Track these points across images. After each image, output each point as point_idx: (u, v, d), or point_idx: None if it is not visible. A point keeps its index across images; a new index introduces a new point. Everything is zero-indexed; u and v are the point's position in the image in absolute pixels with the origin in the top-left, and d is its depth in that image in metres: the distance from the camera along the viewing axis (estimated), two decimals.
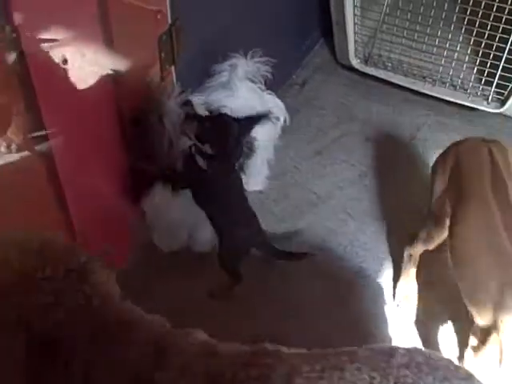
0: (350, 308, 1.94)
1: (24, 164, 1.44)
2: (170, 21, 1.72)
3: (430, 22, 2.49)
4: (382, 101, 2.64)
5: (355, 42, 2.60)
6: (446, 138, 2.47)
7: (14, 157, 1.41)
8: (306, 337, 1.79)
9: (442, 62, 2.52)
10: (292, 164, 2.41)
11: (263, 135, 2.03)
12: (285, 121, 2.11)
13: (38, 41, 1.34)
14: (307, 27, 2.85)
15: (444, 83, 2.55)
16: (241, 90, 1.94)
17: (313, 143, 2.49)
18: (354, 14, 2.54)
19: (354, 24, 2.55)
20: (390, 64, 2.62)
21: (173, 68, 1.85)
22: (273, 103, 2.07)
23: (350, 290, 2.00)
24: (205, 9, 1.92)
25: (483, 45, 2.39)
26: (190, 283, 1.98)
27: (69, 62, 1.43)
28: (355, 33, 2.57)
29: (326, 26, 2.78)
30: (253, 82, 1.99)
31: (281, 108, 2.09)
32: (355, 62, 2.64)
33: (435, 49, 2.52)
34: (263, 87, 2.02)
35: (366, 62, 2.64)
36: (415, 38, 2.53)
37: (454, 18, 2.45)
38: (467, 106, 2.59)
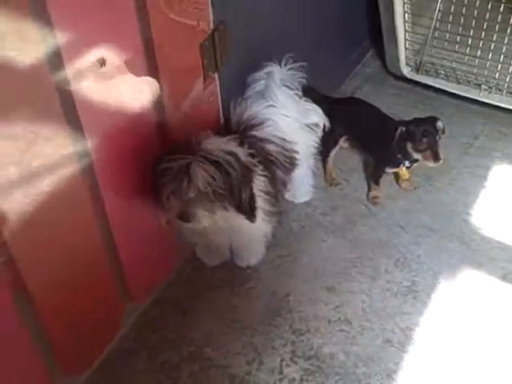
0: None
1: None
2: (212, 26, 1.69)
3: (484, 27, 2.40)
4: (435, 110, 2.54)
5: (406, 49, 2.52)
6: (505, 147, 2.39)
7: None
8: None
9: (499, 67, 2.41)
10: (342, 176, 2.33)
11: (303, 144, 1.98)
12: (324, 127, 2.04)
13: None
14: (356, 37, 2.81)
15: (501, 90, 2.44)
16: (280, 97, 1.89)
17: (361, 155, 2.41)
18: (405, 21, 2.47)
19: (405, 31, 2.48)
20: (442, 72, 2.53)
21: (216, 76, 1.81)
22: (312, 110, 2.01)
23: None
24: (250, 16, 1.89)
25: None
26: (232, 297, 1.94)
27: (109, 74, 1.42)
28: (406, 40, 2.49)
29: (376, 36, 2.73)
30: (290, 88, 1.93)
31: (319, 114, 2.02)
32: (406, 71, 2.57)
33: (490, 54, 2.42)
34: (300, 94, 1.97)
35: (417, 70, 2.56)
36: (469, 43, 2.45)
37: (511, 20, 2.34)
38: None
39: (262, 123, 1.86)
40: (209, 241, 1.87)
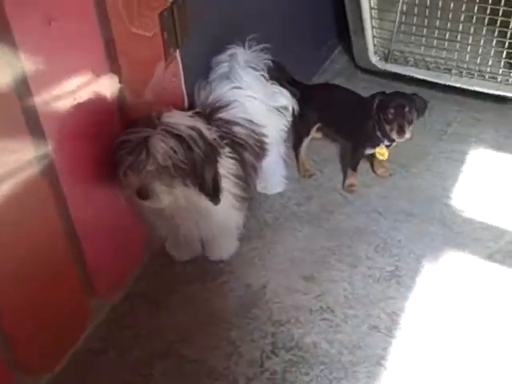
0: None
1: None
2: None
3: (449, 16, 2.35)
4: None
5: (374, 38, 2.48)
6: (480, 132, 2.34)
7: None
8: None
9: (468, 51, 2.36)
10: (315, 167, 2.24)
11: (272, 127, 1.88)
12: (293, 112, 1.95)
13: None
14: (323, 34, 2.75)
15: (471, 74, 2.39)
16: (245, 78, 1.80)
17: (335, 144, 2.33)
18: (371, 10, 2.42)
19: (371, 19, 2.43)
20: (411, 59, 2.49)
21: (178, 56, 1.71)
22: (279, 92, 1.93)
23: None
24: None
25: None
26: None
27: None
28: (373, 29, 2.45)
29: (342, 33, 2.70)
30: (255, 70, 1.85)
31: (287, 97, 1.94)
32: (375, 60, 2.52)
33: (459, 37, 2.38)
34: (267, 76, 1.88)
35: (386, 59, 2.51)
36: (436, 26, 2.40)
37: (476, 8, 2.30)
38: (499, 100, 2.43)
39: (227, 105, 1.76)
40: (176, 229, 1.74)
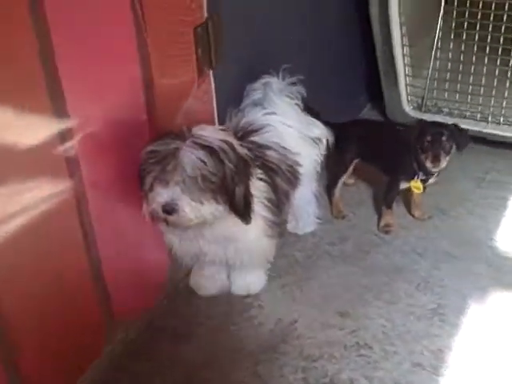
0: None
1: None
2: (206, 14, 1.58)
3: (486, 62, 2.33)
4: None
5: (407, 87, 2.43)
6: None
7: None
8: None
9: (504, 104, 2.31)
10: (348, 209, 2.14)
11: (306, 157, 1.80)
12: (328, 143, 1.88)
13: None
14: (354, 90, 2.73)
15: (510, 122, 2.31)
16: (279, 105, 1.75)
17: (368, 188, 2.24)
18: (404, 63, 2.39)
19: (405, 68, 2.39)
20: (446, 109, 2.42)
21: (211, 76, 1.67)
22: (313, 123, 1.87)
23: None
24: (247, 18, 1.80)
25: None
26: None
27: None
28: (406, 76, 2.40)
29: (373, 90, 2.67)
30: (290, 98, 1.80)
31: (322, 128, 1.87)
32: (408, 109, 2.45)
33: (494, 91, 2.33)
34: (301, 105, 1.83)
35: (420, 108, 2.45)
36: (470, 82, 2.36)
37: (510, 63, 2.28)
38: None
39: (261, 129, 1.70)
40: (201, 255, 1.63)
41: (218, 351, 1.60)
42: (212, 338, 1.64)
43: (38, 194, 1.25)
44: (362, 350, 1.58)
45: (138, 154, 1.41)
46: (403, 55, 2.37)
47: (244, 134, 1.67)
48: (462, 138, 1.86)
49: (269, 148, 1.68)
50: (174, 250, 1.63)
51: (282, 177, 1.69)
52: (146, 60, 1.45)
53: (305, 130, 1.83)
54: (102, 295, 1.51)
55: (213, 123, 1.74)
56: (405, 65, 2.39)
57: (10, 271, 1.22)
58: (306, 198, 1.93)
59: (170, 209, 1.40)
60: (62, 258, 1.36)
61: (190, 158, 1.37)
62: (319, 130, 1.88)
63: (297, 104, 1.83)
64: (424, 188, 1.94)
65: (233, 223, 1.51)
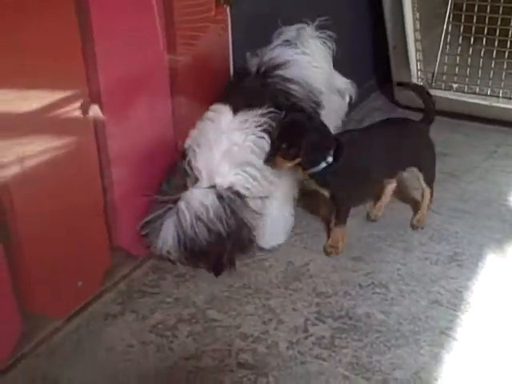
0: None
1: None
2: None
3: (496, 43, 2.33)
4: (452, 130, 2.38)
5: (417, 62, 2.42)
6: None
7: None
8: None
9: None
10: None
11: (329, 102, 1.77)
12: (351, 99, 1.85)
13: None
14: (362, 74, 2.72)
15: None
16: (311, 47, 1.72)
17: None
18: (415, 35, 2.39)
19: (415, 43, 2.39)
20: (456, 85, 2.40)
21: (228, 13, 1.65)
22: (339, 78, 1.84)
23: None
24: None
25: None
26: None
27: None
28: (417, 51, 2.40)
29: (380, 75, 2.67)
30: (324, 45, 1.78)
31: (347, 83, 1.84)
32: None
33: (505, 65, 2.32)
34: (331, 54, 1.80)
35: (430, 84, 2.43)
36: (481, 55, 2.36)
37: None
38: None
39: (286, 63, 1.66)
40: None
41: (225, 288, 1.53)
42: (219, 277, 1.58)
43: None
44: (377, 288, 1.53)
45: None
46: (414, 28, 2.36)
47: (268, 69, 1.63)
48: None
49: (293, 82, 1.64)
50: None
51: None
52: None
53: (331, 79, 1.80)
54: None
55: (228, 60, 1.71)
56: (415, 39, 2.39)
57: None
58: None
59: None
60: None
61: None
62: (344, 85, 1.85)
63: (328, 53, 1.81)
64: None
65: None
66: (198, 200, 1.45)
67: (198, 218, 1.45)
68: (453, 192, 1.97)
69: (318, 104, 1.70)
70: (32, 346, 1.32)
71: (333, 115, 1.81)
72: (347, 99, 1.86)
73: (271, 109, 1.56)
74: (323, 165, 1.55)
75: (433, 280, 1.55)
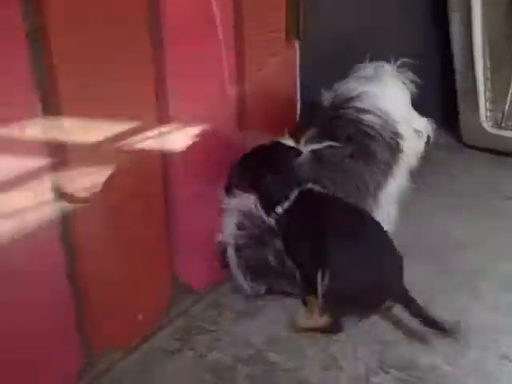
0: None
1: None
2: None
3: None
4: None
5: (486, 102, 2.36)
6: None
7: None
8: None
9: None
10: (422, 215, 2.04)
11: (408, 149, 1.72)
12: (428, 139, 1.80)
13: None
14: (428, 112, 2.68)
15: None
16: (390, 86, 1.70)
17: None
18: (485, 77, 2.34)
19: (485, 82, 2.33)
20: None
21: (297, 47, 1.65)
22: (416, 117, 1.80)
23: None
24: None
25: None
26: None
27: None
28: (486, 91, 2.34)
29: (447, 115, 2.60)
30: (404, 85, 1.75)
31: (425, 122, 1.80)
32: (487, 125, 2.37)
33: None
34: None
35: (499, 125, 2.37)
36: None
37: None
38: None
39: (361, 94, 1.63)
40: None
41: (284, 329, 1.50)
42: (278, 317, 1.54)
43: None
44: (442, 339, 1.46)
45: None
46: (484, 67, 2.31)
47: (341, 101, 1.62)
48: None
49: (368, 112, 1.61)
50: None
51: (382, 143, 1.62)
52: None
53: (408, 117, 1.77)
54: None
55: (295, 96, 1.70)
56: (485, 78, 2.33)
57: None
58: (392, 192, 1.80)
59: None
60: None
61: None
62: (422, 124, 1.81)
63: (407, 93, 1.78)
64: None
65: None
66: None
67: None
68: None
69: (397, 134, 1.66)
70: (88, 379, 1.32)
71: (410, 154, 1.77)
72: (425, 138, 1.81)
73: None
74: None
75: (503, 332, 1.48)
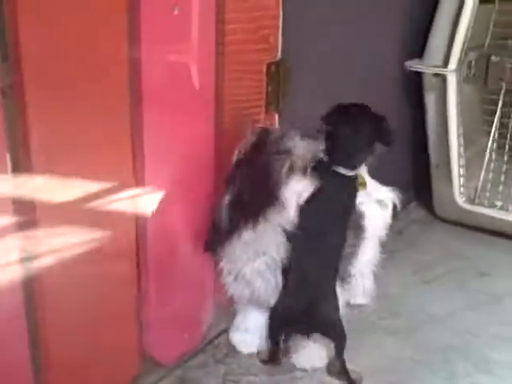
0: None
1: None
2: (280, 54, 1.58)
3: None
4: (495, 248, 2.31)
5: (459, 178, 2.38)
6: None
7: None
8: None
9: None
10: (398, 290, 2.01)
11: (373, 222, 1.72)
12: (394, 208, 1.80)
13: None
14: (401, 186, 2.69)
15: None
16: None
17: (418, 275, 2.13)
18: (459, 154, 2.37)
19: (459, 158, 2.36)
20: (500, 203, 2.35)
21: (276, 117, 1.65)
22: (379, 187, 1.80)
23: None
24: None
25: None
26: None
27: None
28: (459, 167, 2.36)
29: (419, 188, 2.65)
30: None
31: (388, 192, 1.80)
32: (460, 200, 2.38)
33: None
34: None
35: (472, 201, 2.38)
36: None
37: None
38: None
39: None
40: None
41: None
42: None
43: None
44: None
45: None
46: (458, 144, 2.34)
47: None
48: None
49: None
50: None
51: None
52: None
53: (370, 190, 1.76)
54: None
55: None
56: (459, 154, 2.35)
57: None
58: (365, 266, 1.81)
59: None
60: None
61: None
62: (385, 193, 1.81)
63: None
64: None
65: None
66: None
67: None
68: (495, 315, 1.87)
69: (360, 214, 1.65)
70: None
71: (375, 228, 1.75)
72: (390, 207, 1.80)
73: None
74: None
75: None
